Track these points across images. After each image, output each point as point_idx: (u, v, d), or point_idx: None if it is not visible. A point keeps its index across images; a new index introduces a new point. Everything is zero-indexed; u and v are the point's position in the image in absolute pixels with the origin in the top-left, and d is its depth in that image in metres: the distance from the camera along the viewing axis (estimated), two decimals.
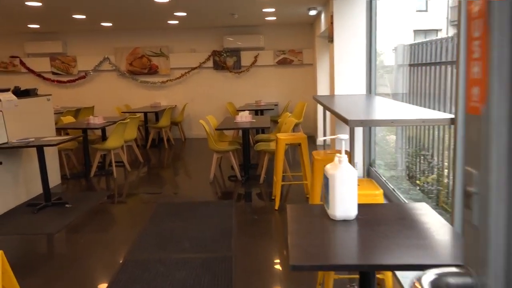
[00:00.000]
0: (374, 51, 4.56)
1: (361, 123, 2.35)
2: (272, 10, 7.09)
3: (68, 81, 9.80)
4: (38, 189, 5.20)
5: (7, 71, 9.82)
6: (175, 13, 7.12)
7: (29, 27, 8.58)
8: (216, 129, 5.68)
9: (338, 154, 1.80)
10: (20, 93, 5.32)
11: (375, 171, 4.39)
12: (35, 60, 9.81)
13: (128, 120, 6.58)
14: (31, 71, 9.81)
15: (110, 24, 8.39)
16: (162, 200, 5.13)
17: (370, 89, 4.62)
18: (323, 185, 1.86)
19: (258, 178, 5.87)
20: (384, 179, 4.10)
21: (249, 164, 6.09)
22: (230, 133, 7.91)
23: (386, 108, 3.18)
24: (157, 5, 6.25)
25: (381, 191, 2.45)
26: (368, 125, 3.56)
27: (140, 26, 8.96)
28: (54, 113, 8.66)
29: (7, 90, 4.99)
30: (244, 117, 6.18)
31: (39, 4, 5.91)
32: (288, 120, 5.76)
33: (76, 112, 8.92)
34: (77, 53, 9.77)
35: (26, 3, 5.82)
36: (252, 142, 7.98)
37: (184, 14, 7.19)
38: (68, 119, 7.09)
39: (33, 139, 4.82)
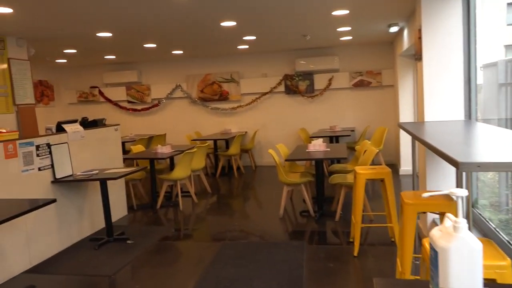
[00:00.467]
0: (474, 68, 3.79)
1: (478, 167, 1.65)
2: (348, 29, 6.53)
3: (142, 109, 9.94)
4: (103, 222, 5.03)
5: (87, 100, 10.22)
6: (244, 37, 6.83)
7: (106, 58, 8.84)
8: (286, 160, 5.17)
9: (451, 217, 1.20)
10: (88, 124, 5.26)
11: (479, 214, 3.57)
12: (112, 89, 10.11)
13: (195, 149, 6.31)
14: (108, 100, 10.12)
15: (181, 52, 8.35)
16: (228, 235, 4.69)
17: (470, 114, 3.83)
18: (430, 259, 1.28)
19: (334, 214, 5.22)
20: (493, 226, 3.28)
21: (323, 198, 5.47)
22: (303, 163, 7.35)
23: (501, 142, 2.45)
24: (225, 30, 5.99)
25: (509, 261, 1.75)
26: (491, 170, 2.80)
27: (210, 53, 8.85)
28: (128, 141, 8.79)
29: (74, 121, 4.94)
30: (318, 146, 5.61)
31: (109, 34, 5.92)
32: (368, 149, 5.09)
33: (149, 140, 8.94)
34: (151, 81, 9.91)
35: (98, 34, 5.86)
36: (327, 172, 7.34)
37: (253, 37, 6.88)
38: (138, 148, 7.01)
39: (96, 172, 4.66)
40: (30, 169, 4.12)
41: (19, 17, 4.81)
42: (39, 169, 4.24)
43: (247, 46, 7.97)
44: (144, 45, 7.15)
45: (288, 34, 6.84)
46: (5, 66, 5.59)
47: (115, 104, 10.10)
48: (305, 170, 5.96)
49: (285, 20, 5.61)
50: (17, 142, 3.98)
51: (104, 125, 5.57)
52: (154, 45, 7.22)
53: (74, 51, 7.43)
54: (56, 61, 8.85)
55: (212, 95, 9.55)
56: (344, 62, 8.87)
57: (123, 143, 8.84)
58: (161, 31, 6.00)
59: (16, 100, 5.71)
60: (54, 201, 3.32)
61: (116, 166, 5.60)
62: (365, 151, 5.27)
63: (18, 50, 5.84)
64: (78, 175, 4.54)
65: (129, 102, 9.99)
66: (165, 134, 9.55)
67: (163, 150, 6.45)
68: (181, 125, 9.80)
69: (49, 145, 4.38)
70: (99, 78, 10.11)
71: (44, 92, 9.87)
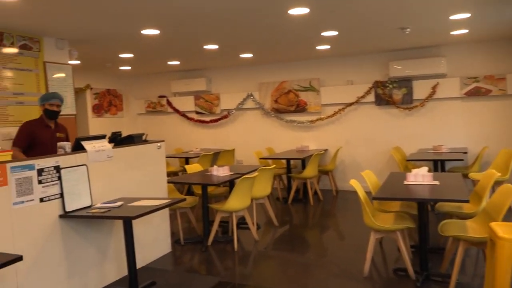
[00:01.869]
0: None
1: None
2: (466, 16, 4.81)
3: (211, 121, 8.95)
4: (138, 262, 3.92)
5: (155, 111, 9.51)
6: (322, 33, 5.42)
7: (170, 64, 7.98)
8: (374, 198, 3.65)
9: None
10: (122, 140, 4.24)
11: None
12: (180, 99, 9.28)
13: (257, 174, 5.02)
14: (176, 110, 9.30)
15: (250, 56, 7.18)
16: None
17: None
18: None
19: (445, 278, 3.57)
20: None
21: (427, 249, 3.83)
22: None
23: None
24: (295, 20, 4.65)
25: None
26: None
27: (285, 57, 7.56)
28: (192, 157, 7.81)
29: (101, 137, 3.93)
30: (421, 177, 4.00)
31: (157, 32, 4.90)
32: (504, 189, 3.38)
33: (214, 156, 7.87)
34: (221, 90, 8.90)
35: (142, 32, 4.87)
36: (430, 207, 5.60)
37: (335, 33, 5.43)
38: (194, 168, 5.92)
39: (119, 204, 3.56)
40: (27, 201, 3.13)
41: (56, 13, 3.96)
42: (42, 200, 3.24)
43: (328, 47, 6.53)
44: (204, 47, 6.08)
45: (381, 28, 5.30)
46: (40, 70, 4.83)
47: (183, 114, 9.25)
48: (401, 209, 4.34)
49: (377, 4, 4.12)
50: (8, 165, 3.02)
51: (145, 142, 4.52)
52: (216, 47, 6.12)
53: (131, 55, 6.62)
54: (120, 68, 8.21)
55: (288, 105, 8.24)
56: (454, 65, 7.01)
57: (186, 159, 7.89)
58: (219, 26, 4.85)
59: None
60: (19, 259, 2.24)
61: (156, 192, 4.52)
62: (493, 187, 3.55)
63: (58, 53, 5.07)
64: (94, 209, 3.48)
65: (197, 112, 9.07)
66: (233, 150, 8.44)
67: (219, 172, 5.26)
68: (252, 139, 8.61)
69: (58, 169, 3.38)
70: (167, 86, 9.35)
71: (112, 101, 9.35)
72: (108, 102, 9.26)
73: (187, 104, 9.16)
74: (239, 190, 4.75)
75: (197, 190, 5.59)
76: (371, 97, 7.55)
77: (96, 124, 8.89)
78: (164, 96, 9.39)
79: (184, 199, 3.90)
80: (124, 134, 4.37)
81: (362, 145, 7.77)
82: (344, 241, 5.07)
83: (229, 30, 5.08)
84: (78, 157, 3.59)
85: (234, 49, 6.53)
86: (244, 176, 4.72)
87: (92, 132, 8.73)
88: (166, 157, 8.04)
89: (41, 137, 4.05)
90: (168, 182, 4.87)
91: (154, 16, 4.24)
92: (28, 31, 4.63)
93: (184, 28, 4.83)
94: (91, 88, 8.81)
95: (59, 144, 3.61)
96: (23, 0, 3.55)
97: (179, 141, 9.26)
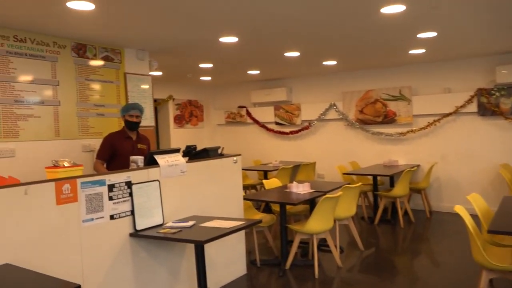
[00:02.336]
0: None
1: None
2: None
3: (291, 132, 8.57)
4: (211, 284, 3.65)
5: (235, 121, 9.38)
6: (419, 35, 4.79)
7: (250, 74, 7.76)
8: (491, 232, 2.98)
9: None
10: (195, 154, 4.02)
11: None
12: (260, 109, 9.03)
13: (341, 192, 4.52)
14: (255, 121, 9.07)
15: (334, 63, 6.69)
16: None
17: None
18: None
19: None
20: None
21: None
22: None
23: None
24: (388, 20, 4.12)
25: None
26: None
27: (372, 63, 6.97)
28: (271, 170, 7.49)
29: (175, 150, 3.73)
30: None
31: (235, 39, 4.65)
32: None
33: (294, 170, 7.47)
34: (302, 100, 8.49)
35: (221, 39, 4.65)
36: None
37: (433, 34, 4.77)
38: (272, 183, 5.56)
39: (191, 224, 3.30)
40: (97, 218, 2.98)
41: (136, 24, 3.91)
42: (112, 217, 3.08)
43: (422, 51, 5.84)
44: (285, 54, 5.74)
45: (492, 26, 4.55)
46: (120, 82, 4.82)
47: (262, 125, 8.99)
48: None
49: None
50: (79, 180, 2.89)
51: (220, 156, 4.26)
52: (297, 54, 5.74)
53: (210, 65, 6.49)
54: (200, 78, 8.18)
55: (374, 116, 7.59)
56: None
57: (265, 172, 7.58)
58: (301, 31, 4.48)
59: None
60: None
61: (232, 209, 4.22)
62: None
63: (138, 64, 5.05)
64: (165, 228, 3.25)
65: (277, 123, 8.75)
66: (314, 163, 7.96)
67: (299, 189, 4.85)
68: (334, 152, 8.07)
69: (129, 184, 3.21)
70: (247, 97, 9.17)
71: (193, 112, 9.39)
72: (189, 113, 9.31)
73: (266, 114, 8.89)
74: (320, 211, 4.29)
75: (275, 207, 5.23)
76: (473, 107, 6.65)
77: (177, 135, 8.96)
78: (244, 107, 9.22)
79: (260, 221, 3.54)
80: (203, 145, 4.19)
81: (461, 161, 6.87)
82: (439, 270, 4.36)
83: (312, 35, 4.68)
84: (150, 172, 3.41)
85: (316, 56, 6.11)
86: (327, 196, 4.25)
87: (174, 143, 8.80)
88: (244, 169, 7.82)
89: (122, 148, 3.98)
90: (245, 199, 4.56)
91: (232, 22, 3.98)
92: (109, 43, 4.64)
93: (264, 34, 4.53)
94: (173, 99, 8.91)
95: (132, 158, 3.46)
96: (103, 12, 3.48)
97: (258, 153, 9.01)
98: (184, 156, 3.89)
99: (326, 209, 4.32)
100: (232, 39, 4.65)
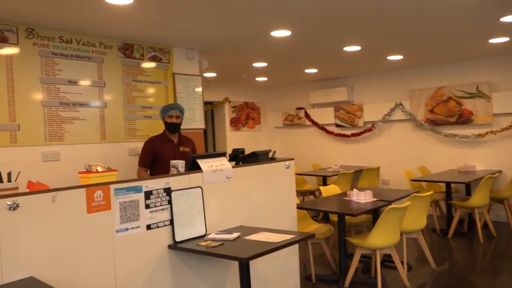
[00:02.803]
0: None
1: None
2: None
3: (352, 135, 8.01)
4: None
5: (292, 124, 8.98)
6: (502, 18, 4.11)
7: (308, 73, 7.33)
8: None
9: None
10: (243, 158, 3.68)
11: None
12: (319, 111, 8.56)
13: (409, 202, 3.96)
14: (314, 123, 8.60)
15: (399, 58, 6.07)
16: None
17: None
18: None
19: None
20: None
21: None
22: None
23: None
24: (464, 2, 3.52)
25: None
26: None
27: (443, 57, 6.25)
28: (330, 176, 6.99)
29: (221, 154, 3.41)
30: None
31: (287, 33, 4.27)
32: None
33: (356, 175, 6.92)
34: (364, 100, 7.90)
35: (272, 33, 4.28)
36: None
37: None
38: (330, 190, 5.10)
39: (235, 236, 2.97)
40: (132, 228, 2.74)
41: (185, 22, 3.69)
42: (149, 227, 2.82)
43: (506, 39, 5.08)
44: (344, 49, 5.25)
45: None
46: (169, 82, 4.62)
47: (322, 128, 8.50)
48: None
49: None
50: (112, 187, 2.65)
51: (272, 160, 3.88)
52: (358, 48, 5.23)
53: (264, 64, 6.15)
54: (256, 79, 7.88)
55: (447, 116, 6.83)
56: None
57: (323, 178, 7.10)
58: (361, 21, 4.00)
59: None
60: None
61: (284, 218, 3.83)
62: None
63: (187, 64, 4.83)
64: (207, 240, 2.94)
65: (337, 125, 8.23)
66: (378, 168, 7.35)
67: (360, 198, 4.36)
68: (400, 156, 7.39)
69: (168, 191, 2.94)
70: (305, 98, 8.73)
71: (249, 114, 9.13)
72: (246, 116, 9.06)
73: (326, 116, 8.39)
74: (385, 223, 3.77)
75: (334, 216, 4.76)
76: None
77: (234, 138, 8.73)
78: (302, 108, 8.80)
79: (313, 235, 3.12)
80: (260, 149, 3.85)
81: None
82: None
83: (374, 26, 4.18)
84: (192, 178, 3.11)
85: (380, 51, 5.55)
86: (393, 206, 3.73)
87: (230, 147, 8.58)
88: (302, 174, 7.40)
89: (163, 153, 3.75)
90: (298, 208, 4.15)
91: (284, 14, 3.61)
92: (157, 42, 4.46)
93: (319, 26, 4.11)
94: (229, 101, 8.70)
95: (172, 162, 3.19)
96: (149, 9, 3.26)
97: (317, 157, 8.53)
98: (230, 160, 3.57)
99: (391, 221, 3.79)
100: (284, 33, 4.28)
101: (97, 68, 4.01)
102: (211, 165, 3.28)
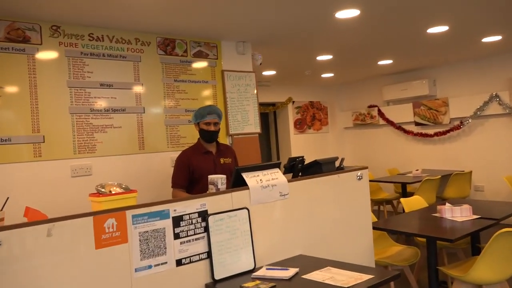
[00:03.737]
0: None
1: None
2: None
3: (436, 134, 6.90)
4: None
5: (364, 124, 8.03)
6: None
7: (381, 65, 6.38)
8: None
9: None
10: (303, 169, 2.94)
11: None
12: (395, 108, 7.54)
13: None
14: (389, 122, 7.59)
15: (497, 38, 4.94)
16: None
17: None
18: None
19: None
20: None
21: None
22: None
23: None
24: None
25: None
26: None
27: None
28: (411, 183, 5.99)
29: (274, 165, 2.71)
30: None
31: (356, 12, 3.46)
32: None
33: (442, 181, 5.86)
34: (449, 93, 6.77)
35: (337, 15, 3.50)
36: None
37: None
38: (414, 202, 4.18)
39: (294, 273, 2.24)
40: (157, 265, 2.12)
41: (235, 10, 3.09)
42: (179, 262, 2.19)
43: None
44: (428, 30, 4.30)
45: None
46: (217, 81, 4.02)
47: (398, 127, 7.47)
48: None
49: None
50: (129, 213, 2.06)
51: (338, 170, 3.10)
52: (445, 28, 4.26)
53: (329, 56, 5.35)
54: (322, 76, 7.08)
55: None
56: None
57: (403, 185, 6.10)
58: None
59: (230, 128, 4.04)
60: None
61: (356, 240, 3.04)
62: None
63: (238, 59, 4.20)
64: (255, 280, 2.26)
65: (416, 124, 7.16)
66: (469, 173, 6.19)
67: (455, 214, 3.42)
68: (498, 158, 6.18)
69: (204, 215, 2.30)
70: (378, 94, 7.76)
71: (315, 115, 8.33)
72: (312, 116, 8.27)
73: (403, 113, 7.35)
74: (495, 251, 2.83)
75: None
76: None
77: (299, 142, 7.99)
78: (375, 106, 7.83)
79: (398, 276, 2.29)
80: (328, 153, 3.11)
81: None
82: None
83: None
84: (236, 197, 2.45)
85: (473, 30, 4.52)
86: (506, 230, 2.78)
87: (295, 151, 7.86)
88: (377, 181, 6.45)
89: (202, 168, 3.09)
90: (375, 229, 3.31)
91: None
92: (203, 35, 3.89)
93: (395, 0, 3.26)
94: (293, 102, 7.99)
95: (210, 178, 2.54)
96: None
97: (394, 160, 7.51)
98: (286, 172, 2.86)
99: (504, 249, 2.84)
100: (352, 13, 3.48)
101: (133, 68, 3.51)
102: (261, 180, 2.59)
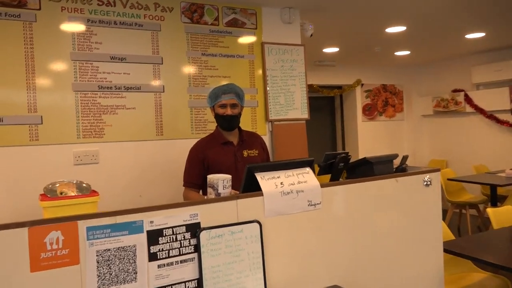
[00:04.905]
0: None
1: None
2: None
3: None
4: None
5: (447, 111, 6.88)
6: None
7: (469, 38, 5.25)
8: None
9: None
10: (346, 169, 2.19)
11: None
12: (486, 93, 6.32)
13: None
14: (479, 110, 6.38)
15: None
16: None
17: None
18: None
19: None
20: None
21: None
22: None
23: None
24: None
25: None
26: None
27: None
28: (503, 185, 4.87)
29: (304, 162, 2.00)
30: None
31: None
32: None
33: None
34: None
35: None
36: None
37: None
38: (506, 214, 3.21)
39: None
40: None
41: None
42: None
43: None
44: None
45: None
46: (256, 56, 3.35)
47: (490, 116, 6.25)
48: None
49: None
50: (81, 224, 1.50)
51: (398, 172, 2.30)
52: None
53: (402, 28, 4.41)
54: (395, 54, 6.07)
55: None
56: None
57: (492, 187, 4.98)
58: None
59: (270, 113, 3.36)
60: None
61: (421, 265, 2.23)
62: None
63: (283, 29, 3.48)
64: None
65: None
66: None
67: None
68: None
69: (195, 230, 1.68)
70: (465, 76, 6.56)
71: (388, 100, 7.32)
72: (384, 101, 7.27)
73: (497, 100, 6.11)
74: None
75: None
76: None
77: (367, 130, 7.08)
78: (461, 90, 6.64)
79: None
80: (403, 145, 2.39)
81: None
82: None
83: None
84: (243, 206, 1.80)
85: None
86: None
87: (362, 142, 6.97)
88: (460, 180, 5.38)
89: (217, 162, 2.46)
90: (447, 252, 2.45)
91: None
92: (239, 1, 3.23)
93: None
94: (362, 84, 7.06)
95: (209, 178, 1.90)
96: None
97: (483, 156, 6.32)
98: (322, 173, 2.14)
99: None
100: None
101: (151, 38, 2.96)
102: (281, 183, 1.92)
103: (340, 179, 2.26)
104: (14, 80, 2.55)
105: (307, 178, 1.99)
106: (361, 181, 2.11)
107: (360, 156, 7.01)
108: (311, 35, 3.59)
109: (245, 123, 3.26)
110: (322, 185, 1.98)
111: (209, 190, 1.87)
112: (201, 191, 2.54)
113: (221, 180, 1.85)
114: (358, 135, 7.01)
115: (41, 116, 2.61)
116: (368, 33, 4.59)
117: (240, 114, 2.50)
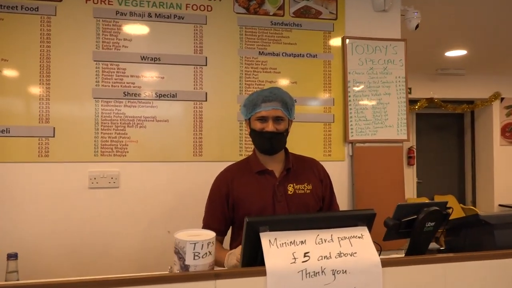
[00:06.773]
0: None
1: None
2: None
3: None
4: None
5: None
6: None
7: None
8: None
9: None
10: (449, 231, 1.25)
11: None
12: None
13: None
14: None
15: None
16: None
17: None
18: None
19: None
20: None
21: None
22: None
23: None
24: None
25: None
26: None
27: None
28: None
29: (358, 217, 1.14)
30: None
31: None
32: None
33: None
34: None
35: None
36: None
37: None
38: None
39: None
40: None
41: None
42: None
43: None
44: None
45: None
46: (334, 55, 2.52)
47: None
48: None
49: None
50: None
51: None
52: None
53: None
54: None
55: None
56: None
57: None
58: None
59: (351, 131, 2.48)
60: None
61: None
62: None
63: (375, 19, 2.58)
64: None
65: None
66: None
67: None
68: None
69: None
70: None
71: None
72: None
73: None
74: None
75: None
76: None
77: (508, 157, 5.56)
78: None
79: None
80: None
81: None
82: None
83: None
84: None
85: None
86: None
87: (499, 174, 5.49)
88: None
89: (247, 200, 1.66)
90: None
91: None
92: None
93: None
94: (502, 99, 5.59)
95: (176, 239, 1.14)
96: None
97: None
98: (390, 236, 1.24)
99: None
100: None
101: (194, 34, 2.36)
102: (305, 254, 1.10)
103: (433, 247, 1.33)
104: (25, 84, 2.16)
105: (358, 246, 1.13)
106: (465, 257, 1.17)
107: (496, 195, 5.47)
108: (417, 26, 2.62)
109: (314, 144, 2.44)
110: (387, 263, 1.10)
111: (175, 259, 1.13)
112: (223, 240, 1.79)
113: (190, 244, 1.09)
114: (494, 164, 5.54)
115: (54, 128, 2.17)
116: (506, 27, 3.38)
117: (287, 131, 1.70)
